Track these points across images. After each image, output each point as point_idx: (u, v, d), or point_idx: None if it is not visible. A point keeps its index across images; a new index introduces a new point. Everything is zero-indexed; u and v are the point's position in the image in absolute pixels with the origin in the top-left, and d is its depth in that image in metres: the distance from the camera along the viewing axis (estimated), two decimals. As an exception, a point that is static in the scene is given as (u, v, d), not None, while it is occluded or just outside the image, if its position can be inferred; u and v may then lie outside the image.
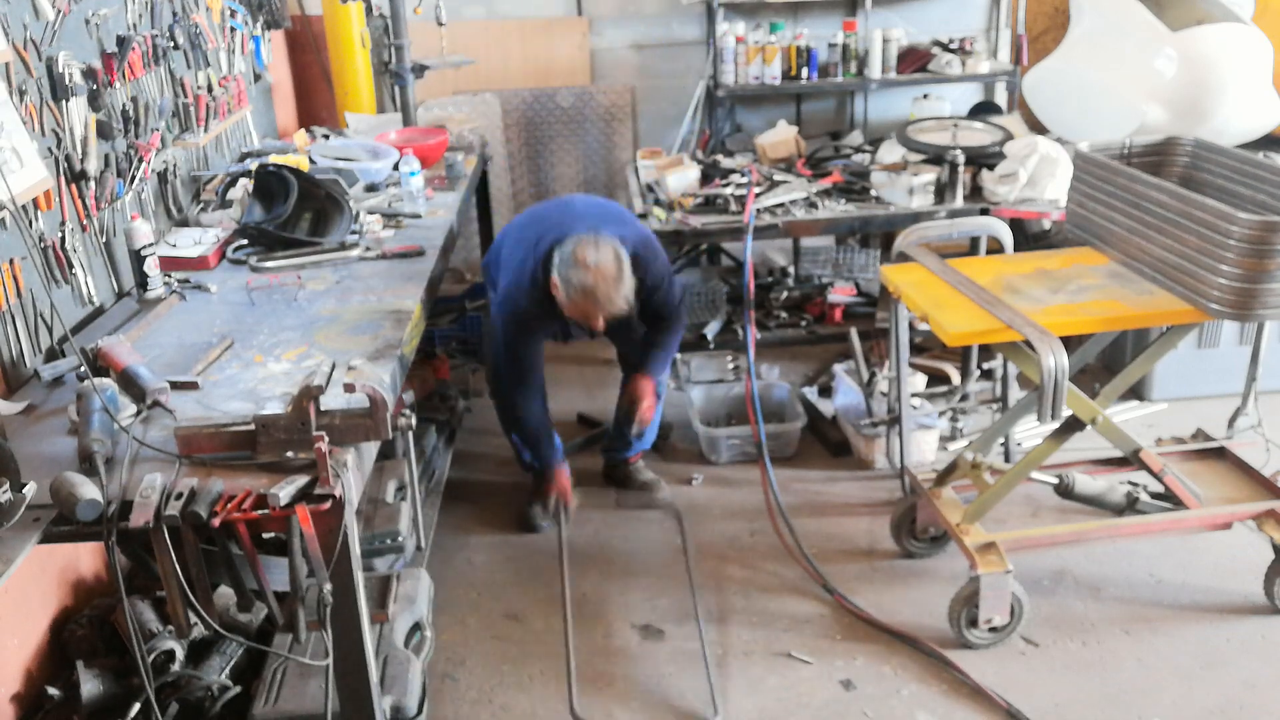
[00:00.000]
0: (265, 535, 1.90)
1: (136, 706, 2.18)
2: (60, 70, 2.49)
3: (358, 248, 2.96)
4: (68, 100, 2.52)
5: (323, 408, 1.80)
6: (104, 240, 2.69)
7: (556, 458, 3.19)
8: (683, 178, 3.82)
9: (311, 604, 1.79)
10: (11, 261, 2.24)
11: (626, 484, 3.44)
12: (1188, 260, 2.41)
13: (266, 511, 1.70)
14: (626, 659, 2.70)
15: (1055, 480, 2.90)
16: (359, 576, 1.86)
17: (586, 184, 5.28)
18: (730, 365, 4.02)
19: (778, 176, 3.93)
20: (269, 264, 2.85)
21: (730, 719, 2.49)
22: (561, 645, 2.75)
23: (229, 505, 1.70)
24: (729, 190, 3.73)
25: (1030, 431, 3.64)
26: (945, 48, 4.93)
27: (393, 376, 2.19)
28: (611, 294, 2.73)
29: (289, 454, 1.80)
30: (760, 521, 3.24)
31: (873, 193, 3.75)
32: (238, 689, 2.30)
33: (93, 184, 2.60)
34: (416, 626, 2.50)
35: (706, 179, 3.91)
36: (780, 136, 4.24)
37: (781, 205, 3.66)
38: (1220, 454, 3.01)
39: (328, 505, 1.74)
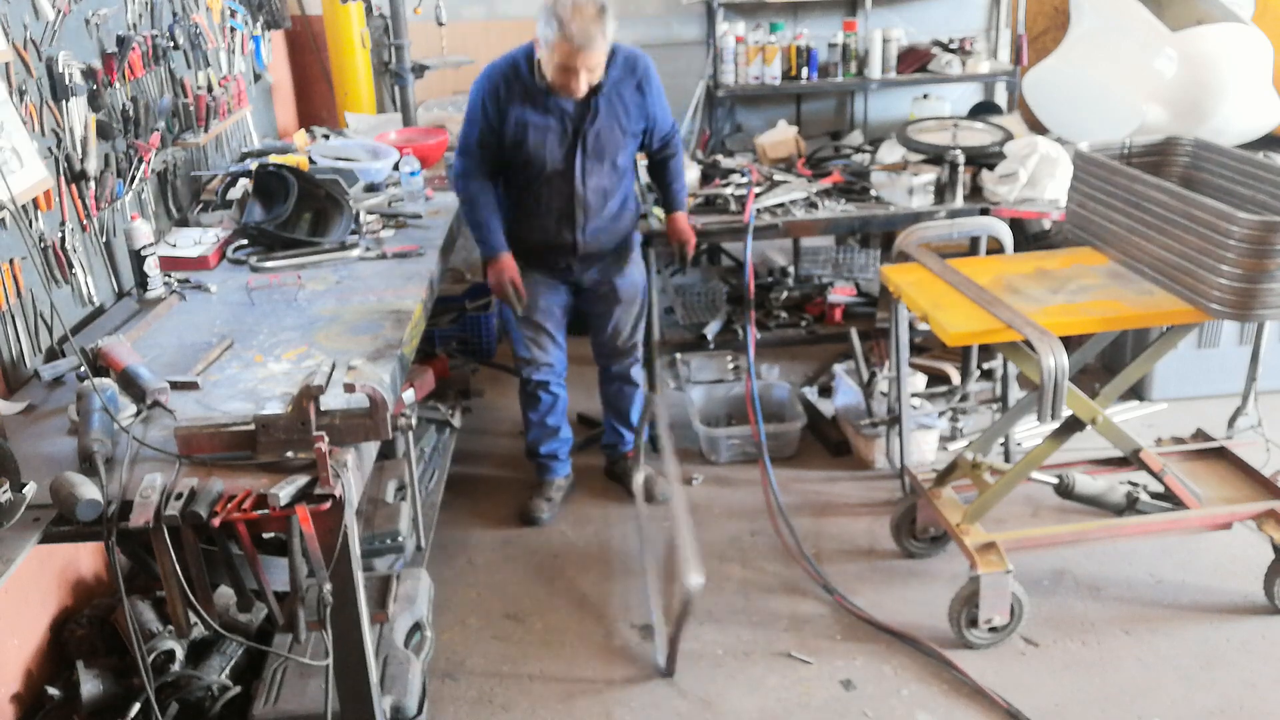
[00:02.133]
0: (265, 535, 1.90)
1: (136, 706, 2.18)
2: (60, 70, 2.49)
3: (358, 248, 2.96)
4: (68, 100, 2.52)
5: (323, 408, 1.80)
6: (104, 240, 2.69)
7: (504, 244, 3.02)
8: (683, 178, 3.82)
9: (311, 604, 1.79)
10: (11, 261, 2.25)
11: (624, 480, 3.44)
12: (1188, 260, 2.41)
13: (266, 511, 1.70)
14: (626, 659, 2.70)
15: (1055, 480, 2.90)
16: (359, 576, 1.86)
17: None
18: (730, 365, 4.02)
19: (778, 176, 3.93)
20: (269, 264, 2.85)
21: (730, 719, 2.49)
22: (562, 645, 2.75)
23: (229, 505, 1.70)
24: (729, 190, 3.73)
25: (1030, 431, 3.64)
26: (945, 48, 4.93)
27: (393, 376, 2.19)
28: (590, 31, 2.63)
29: (289, 454, 1.80)
30: (760, 521, 3.24)
31: (873, 193, 3.75)
32: (238, 689, 2.30)
33: (93, 184, 2.60)
34: (416, 626, 2.50)
35: (706, 179, 3.91)
36: (780, 136, 4.24)
37: (781, 205, 3.66)
38: (1220, 454, 3.01)
39: (328, 505, 1.74)
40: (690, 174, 3.85)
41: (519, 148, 2.88)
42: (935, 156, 3.70)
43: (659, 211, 3.68)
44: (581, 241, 3.03)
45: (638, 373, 3.39)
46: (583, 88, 2.76)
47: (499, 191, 3.03)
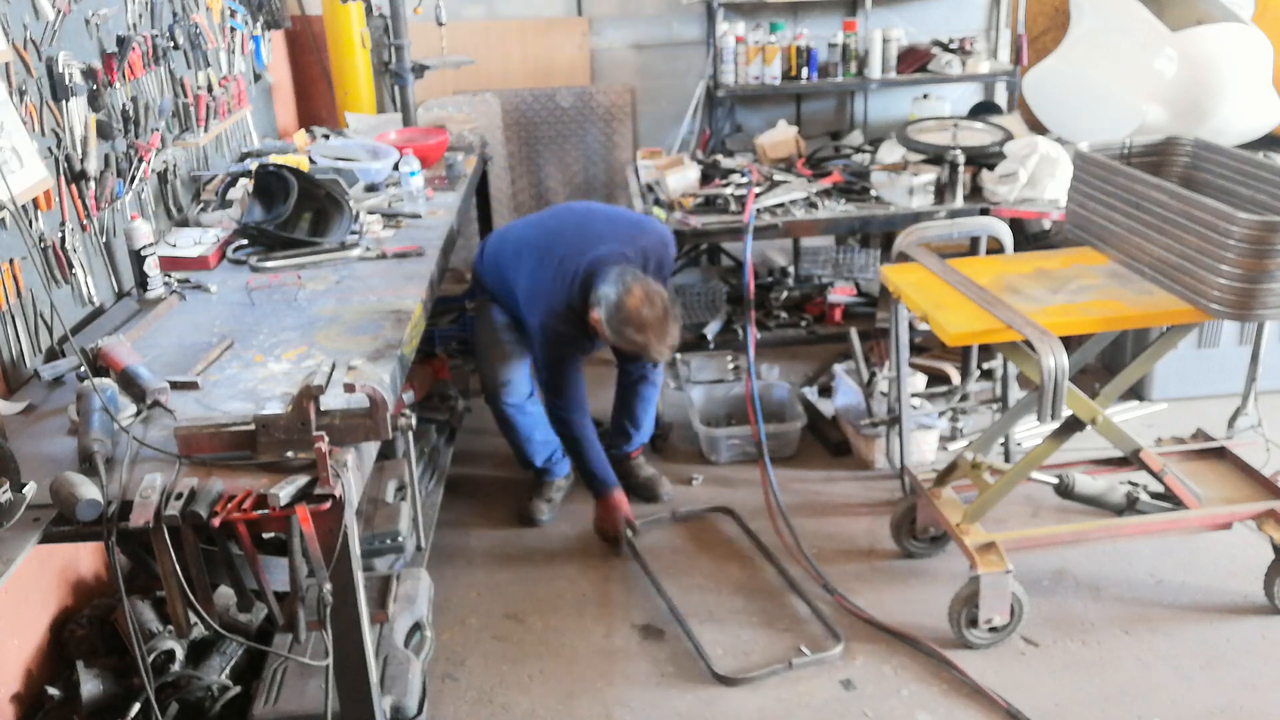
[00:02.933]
0: (265, 535, 1.89)
1: (136, 706, 2.18)
2: (60, 70, 2.49)
3: (358, 248, 2.96)
4: (68, 100, 2.52)
5: (323, 408, 1.80)
6: (104, 240, 2.69)
7: (615, 480, 3.17)
8: (683, 178, 3.82)
9: (311, 604, 1.78)
10: (11, 261, 2.24)
11: (627, 480, 3.43)
12: (1188, 260, 2.41)
13: (266, 511, 1.70)
14: (626, 659, 2.70)
15: (1055, 480, 2.90)
16: (359, 576, 1.86)
17: (587, 184, 5.28)
18: (730, 365, 4.02)
19: (778, 176, 3.93)
20: (269, 264, 2.85)
21: (730, 719, 2.49)
22: (562, 645, 2.75)
23: (229, 505, 1.70)
24: (729, 190, 3.73)
25: (1030, 431, 3.64)
26: (945, 48, 4.93)
27: (393, 376, 2.19)
28: (663, 344, 2.80)
29: (289, 454, 1.80)
30: (760, 521, 3.24)
31: (873, 193, 3.75)
32: (238, 689, 2.30)
33: (93, 184, 2.60)
34: (416, 626, 2.50)
35: (706, 179, 3.91)
36: (780, 136, 4.24)
37: (781, 205, 3.66)
38: (1220, 454, 3.01)
39: (328, 505, 1.74)
40: (690, 174, 3.85)
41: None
42: (935, 156, 3.70)
43: (659, 212, 3.69)
44: None
45: (658, 373, 3.39)
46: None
47: (507, 311, 3.13)
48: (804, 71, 4.82)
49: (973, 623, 2.64)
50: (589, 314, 2.84)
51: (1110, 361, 3.94)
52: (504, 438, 3.33)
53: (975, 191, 3.71)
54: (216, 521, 1.69)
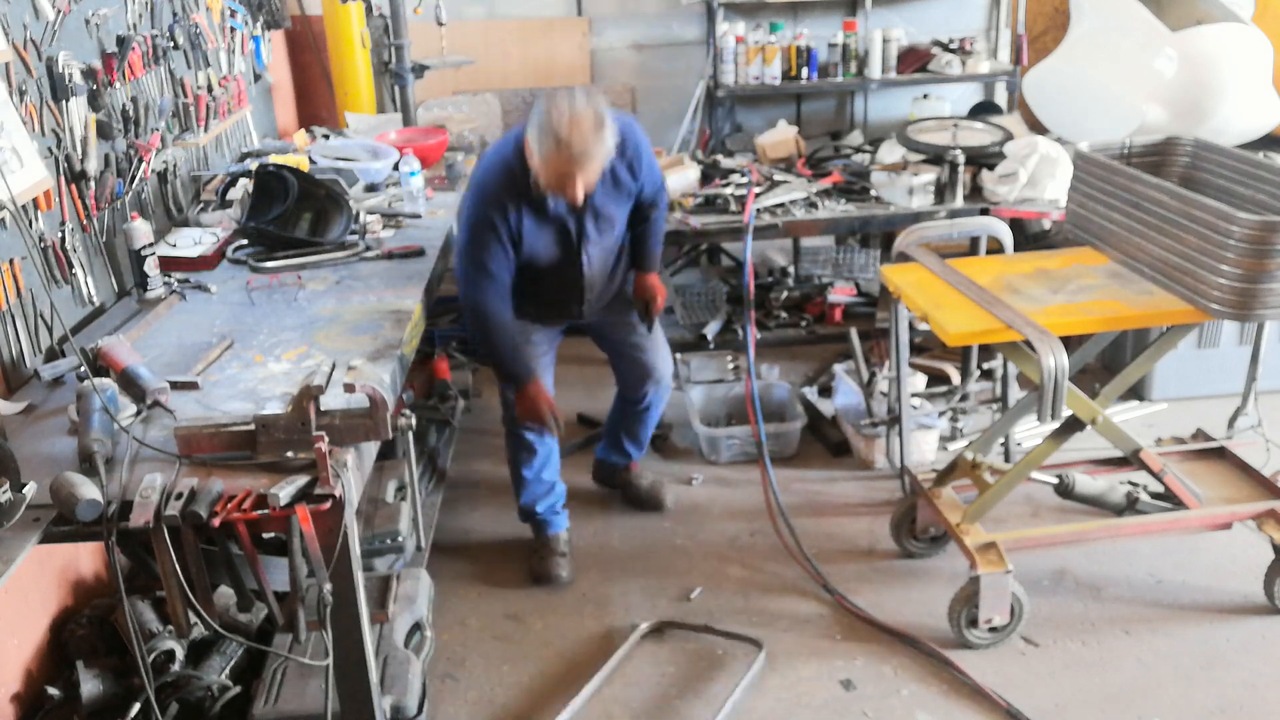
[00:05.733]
0: (265, 535, 1.90)
1: (136, 706, 2.18)
2: (60, 70, 2.49)
3: (358, 248, 2.96)
4: (68, 100, 2.52)
5: (323, 408, 1.80)
6: (104, 240, 2.69)
7: (531, 369, 2.82)
8: (683, 178, 3.82)
9: (311, 604, 1.79)
10: (11, 261, 2.25)
11: (627, 491, 3.36)
12: (1188, 260, 2.41)
13: (266, 511, 1.70)
14: (626, 659, 2.70)
15: (1055, 480, 2.90)
16: (359, 576, 1.86)
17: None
18: (730, 365, 4.02)
19: (778, 176, 3.93)
20: (269, 264, 2.85)
21: (730, 719, 2.49)
22: (562, 645, 2.75)
23: (229, 505, 1.70)
24: (729, 190, 3.73)
25: (1030, 431, 3.64)
26: (945, 48, 4.93)
27: (393, 376, 2.19)
28: (590, 142, 2.45)
29: (289, 454, 1.80)
30: (760, 521, 3.24)
31: (873, 193, 3.75)
32: (238, 689, 2.30)
33: (93, 184, 2.60)
34: (416, 626, 2.50)
35: (706, 179, 3.91)
36: (780, 136, 4.24)
37: (781, 205, 3.66)
38: (1220, 454, 3.01)
39: (328, 505, 1.74)
40: (690, 174, 3.85)
41: (519, 251, 2.73)
42: (935, 156, 3.70)
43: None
44: (587, 309, 2.93)
45: (665, 391, 3.20)
46: (580, 194, 2.57)
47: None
48: (804, 71, 4.82)
49: (973, 623, 2.64)
50: (525, 149, 2.55)
51: (1110, 361, 3.94)
52: (508, 467, 3.10)
53: (975, 191, 3.72)
54: (216, 521, 1.69)
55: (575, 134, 2.43)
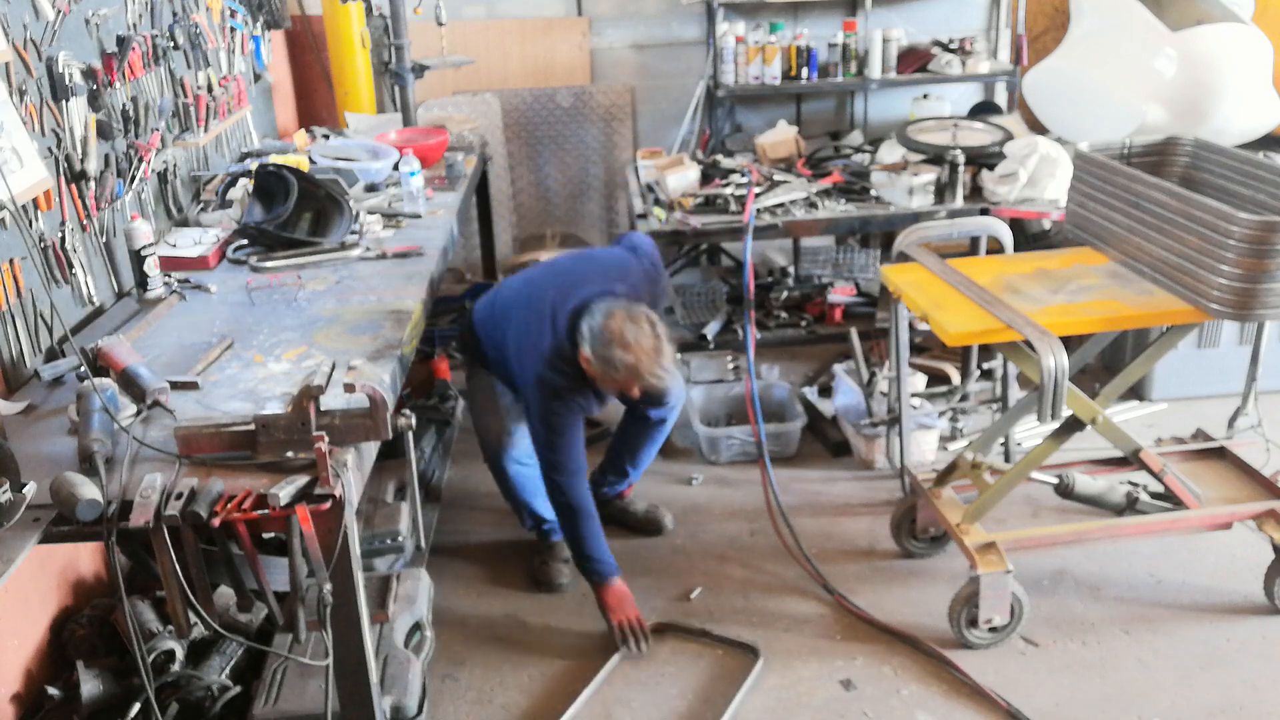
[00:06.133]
0: (265, 535, 1.90)
1: (136, 706, 2.18)
2: (60, 70, 2.49)
3: (358, 248, 2.96)
4: (68, 100, 2.52)
5: (323, 408, 1.80)
6: (104, 240, 2.69)
7: (616, 566, 2.79)
8: (683, 178, 3.82)
9: (311, 604, 1.79)
10: (11, 261, 2.25)
11: (624, 519, 3.25)
12: (1188, 260, 2.41)
13: (266, 511, 1.70)
14: (626, 658, 2.70)
15: (1055, 480, 2.90)
16: (359, 576, 1.86)
17: (586, 184, 5.28)
18: (730, 365, 4.02)
19: (778, 176, 3.93)
20: (269, 264, 2.85)
21: (730, 719, 2.49)
22: (562, 645, 2.75)
23: (229, 505, 1.70)
24: (729, 190, 3.73)
25: (1030, 431, 3.64)
26: (945, 48, 4.93)
27: (393, 376, 2.19)
28: (655, 368, 2.56)
29: (289, 454, 1.80)
30: (760, 521, 3.24)
31: (873, 193, 3.75)
32: (238, 689, 2.31)
33: (93, 184, 2.60)
34: (416, 626, 2.50)
35: (706, 179, 3.91)
36: (780, 136, 4.24)
37: (781, 205, 3.66)
38: (1220, 454, 3.01)
39: (328, 505, 1.74)
40: (690, 174, 3.85)
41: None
42: (935, 156, 3.70)
43: (660, 212, 3.69)
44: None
45: (673, 413, 3.17)
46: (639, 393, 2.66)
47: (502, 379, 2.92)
48: (804, 71, 4.82)
49: (973, 623, 2.64)
50: (579, 356, 2.60)
51: (1110, 361, 3.94)
52: (506, 500, 3.07)
53: (975, 191, 3.71)
54: (216, 521, 1.69)
55: (644, 362, 2.51)
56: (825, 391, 3.93)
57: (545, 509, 2.98)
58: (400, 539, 2.81)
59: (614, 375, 2.54)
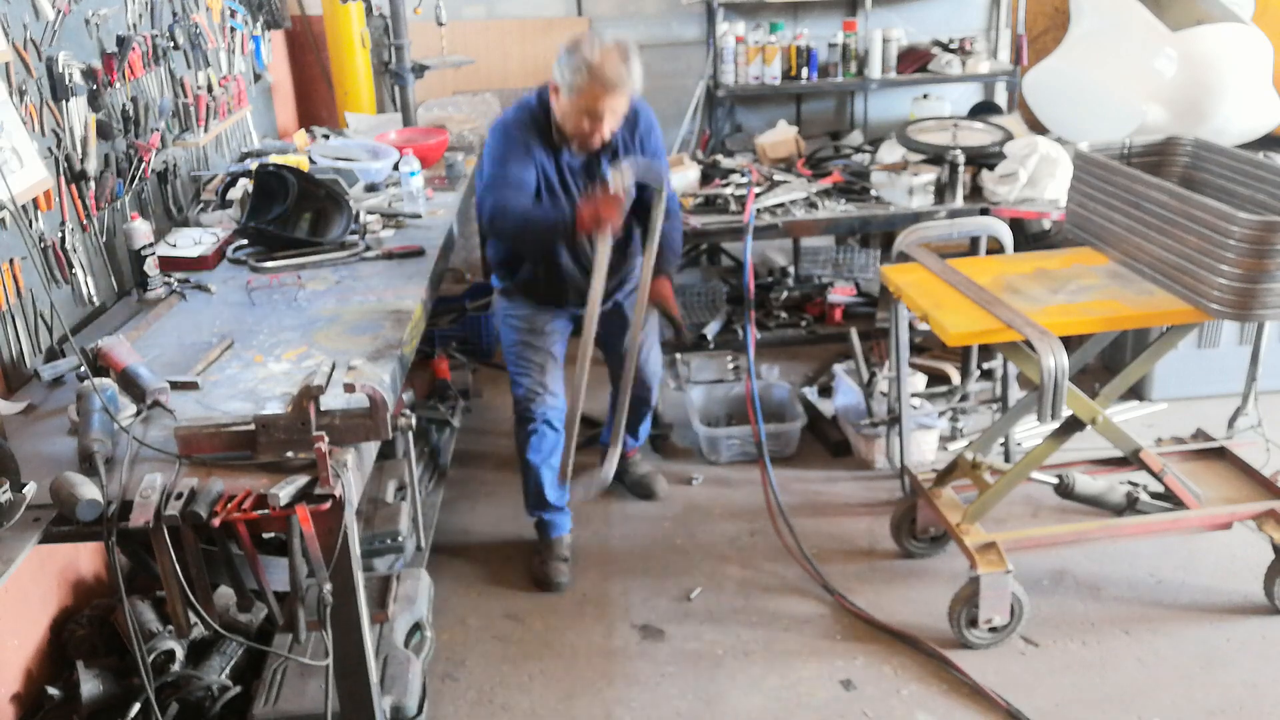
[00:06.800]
0: (265, 535, 1.90)
1: (136, 706, 2.18)
2: (60, 70, 2.49)
3: (358, 248, 2.96)
4: (68, 100, 2.52)
5: (323, 408, 1.80)
6: (104, 240, 2.69)
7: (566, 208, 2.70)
8: (683, 178, 3.82)
9: (311, 604, 1.79)
10: (11, 261, 2.25)
11: (624, 477, 3.41)
12: (1188, 260, 2.41)
13: (266, 511, 1.70)
14: (626, 659, 2.70)
15: (1055, 480, 2.90)
16: (359, 576, 1.86)
17: (586, 184, 5.28)
18: (730, 365, 4.02)
19: (778, 176, 3.93)
20: (269, 264, 2.85)
21: (730, 719, 2.49)
22: (562, 645, 2.75)
23: (229, 505, 1.70)
24: (729, 190, 3.73)
25: (1030, 431, 3.64)
26: (945, 48, 4.93)
27: (393, 376, 2.19)
28: (619, 70, 2.49)
29: (289, 454, 1.80)
30: (760, 521, 3.24)
31: (873, 193, 3.75)
32: (238, 689, 2.31)
33: (93, 184, 2.60)
34: (416, 626, 2.50)
35: (706, 179, 3.91)
36: (780, 136, 4.24)
37: (781, 205, 3.66)
38: (1220, 454, 3.01)
39: (328, 505, 1.74)
40: (690, 174, 3.85)
41: (534, 195, 2.74)
42: (935, 156, 3.70)
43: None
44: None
45: (655, 392, 3.28)
46: (606, 133, 2.63)
47: (508, 248, 2.93)
48: (804, 71, 4.82)
49: (973, 623, 2.64)
50: (549, 89, 2.60)
51: (1110, 361, 3.94)
52: (518, 459, 3.03)
53: (975, 191, 3.71)
54: (216, 521, 1.69)
55: (606, 62, 2.52)
56: (825, 391, 3.93)
57: (551, 488, 3.02)
58: (400, 539, 2.81)
59: (576, 83, 2.53)
